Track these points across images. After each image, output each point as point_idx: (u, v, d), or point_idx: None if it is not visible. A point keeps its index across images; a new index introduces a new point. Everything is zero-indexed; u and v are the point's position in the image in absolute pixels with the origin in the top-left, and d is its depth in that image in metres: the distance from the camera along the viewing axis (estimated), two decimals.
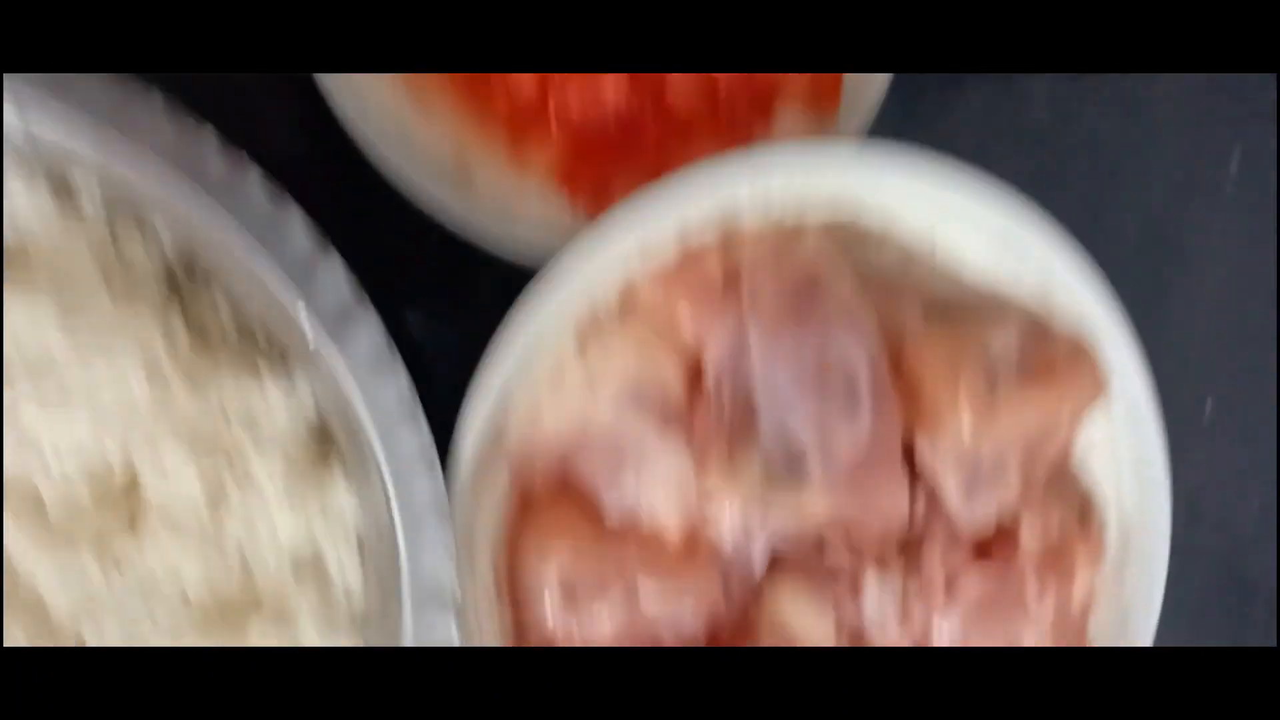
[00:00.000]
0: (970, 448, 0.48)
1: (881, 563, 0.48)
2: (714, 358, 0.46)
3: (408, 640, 0.40)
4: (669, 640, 0.47)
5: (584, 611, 0.46)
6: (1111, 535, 0.52)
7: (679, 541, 0.47)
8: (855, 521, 0.46)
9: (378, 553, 0.41)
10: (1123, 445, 0.52)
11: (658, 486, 0.47)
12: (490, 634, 0.46)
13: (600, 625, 0.46)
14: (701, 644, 0.47)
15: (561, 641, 0.47)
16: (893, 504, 0.46)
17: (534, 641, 0.47)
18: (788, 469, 0.45)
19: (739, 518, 0.46)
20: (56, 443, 0.37)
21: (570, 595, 0.46)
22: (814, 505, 0.45)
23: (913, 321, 0.50)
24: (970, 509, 0.49)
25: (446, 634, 0.41)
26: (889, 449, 0.45)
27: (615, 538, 0.47)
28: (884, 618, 0.48)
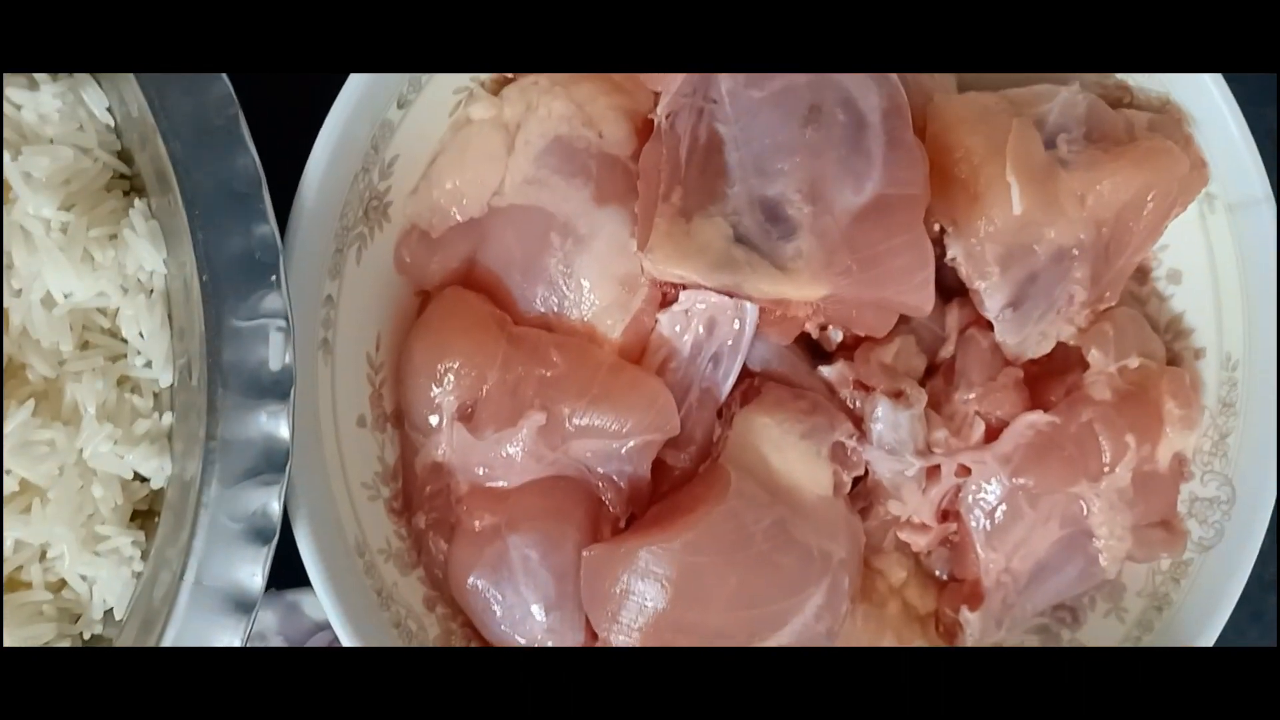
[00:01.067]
0: (1021, 235, 0.35)
1: (895, 383, 0.35)
2: (671, 89, 0.33)
3: (218, 439, 0.29)
4: (600, 484, 0.35)
5: (488, 443, 0.35)
6: (1210, 378, 0.39)
7: (617, 347, 0.35)
8: (860, 312, 0.33)
9: (186, 322, 0.30)
10: (1226, 263, 0.39)
11: (591, 272, 0.35)
12: (359, 466, 0.35)
13: (508, 462, 0.35)
14: (646, 487, 0.36)
15: (457, 476, 0.35)
16: (913, 278, 0.32)
17: (420, 474, 0.36)
18: (765, 234, 0.32)
19: (702, 302, 0.34)
20: None
21: (471, 419, 0.35)
22: (801, 286, 0.32)
23: (943, 81, 0.38)
24: (1019, 325, 0.36)
25: (274, 429, 0.30)
26: (908, 206, 0.32)
27: (531, 343, 0.35)
28: (900, 460, 0.36)
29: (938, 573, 0.40)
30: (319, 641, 0.39)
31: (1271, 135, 0.43)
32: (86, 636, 0.32)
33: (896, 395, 0.36)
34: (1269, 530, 0.40)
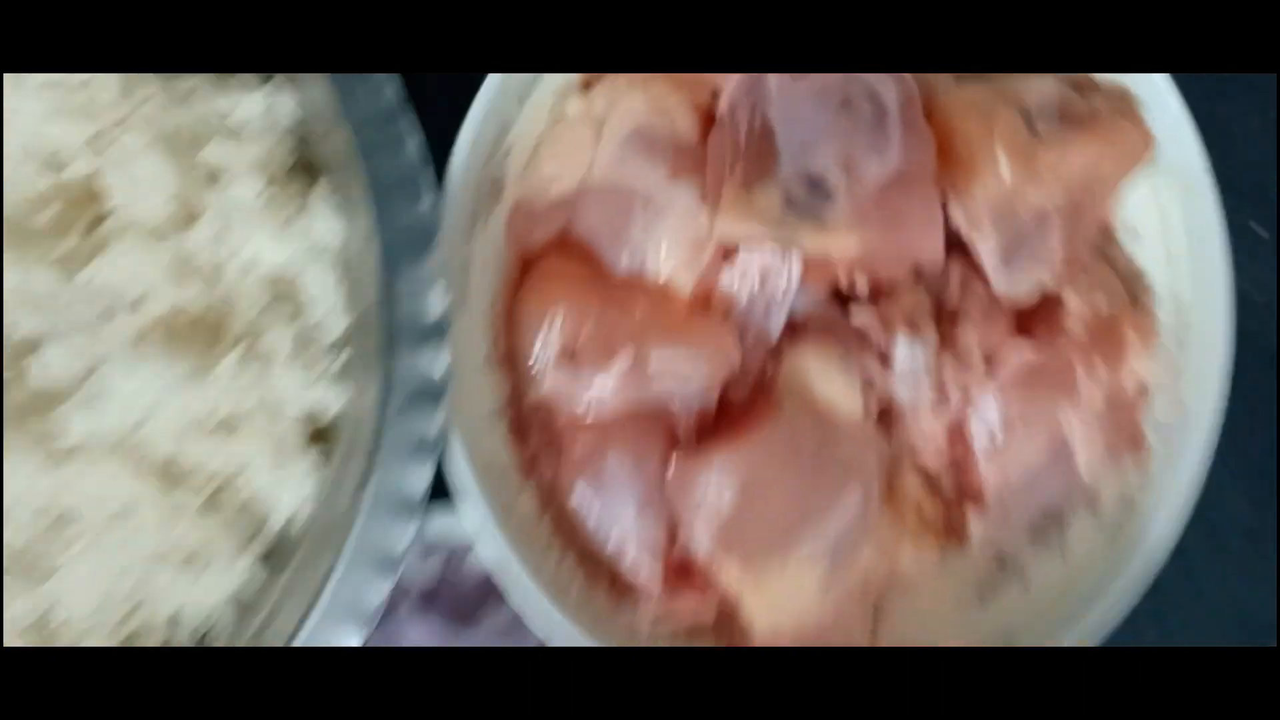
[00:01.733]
0: (1009, 200, 0.44)
1: (912, 326, 0.44)
2: (730, 87, 0.42)
3: (388, 375, 0.37)
4: (677, 410, 0.43)
5: (586, 378, 0.43)
6: (1166, 318, 0.48)
7: (689, 299, 0.43)
8: (885, 260, 0.42)
9: (359, 280, 0.38)
10: (1175, 222, 0.47)
11: (667, 238, 0.43)
12: (483, 399, 0.43)
13: (603, 393, 0.42)
14: (712, 414, 0.44)
15: (560, 410, 0.43)
16: (927, 233, 0.41)
17: (528, 410, 0.43)
18: (809, 200, 0.41)
19: (756, 260, 0.42)
20: (20, 129, 0.34)
21: (572, 358, 0.43)
22: (839, 238, 0.41)
23: (944, 78, 0.46)
24: (1010, 275, 0.44)
25: (434, 371, 0.37)
26: (922, 177, 0.41)
27: (620, 297, 0.43)
28: (917, 389, 0.44)
29: (946, 487, 0.47)
30: (435, 559, 0.46)
31: (1224, 126, 0.51)
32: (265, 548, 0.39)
33: (913, 333, 0.44)
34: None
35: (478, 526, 0.41)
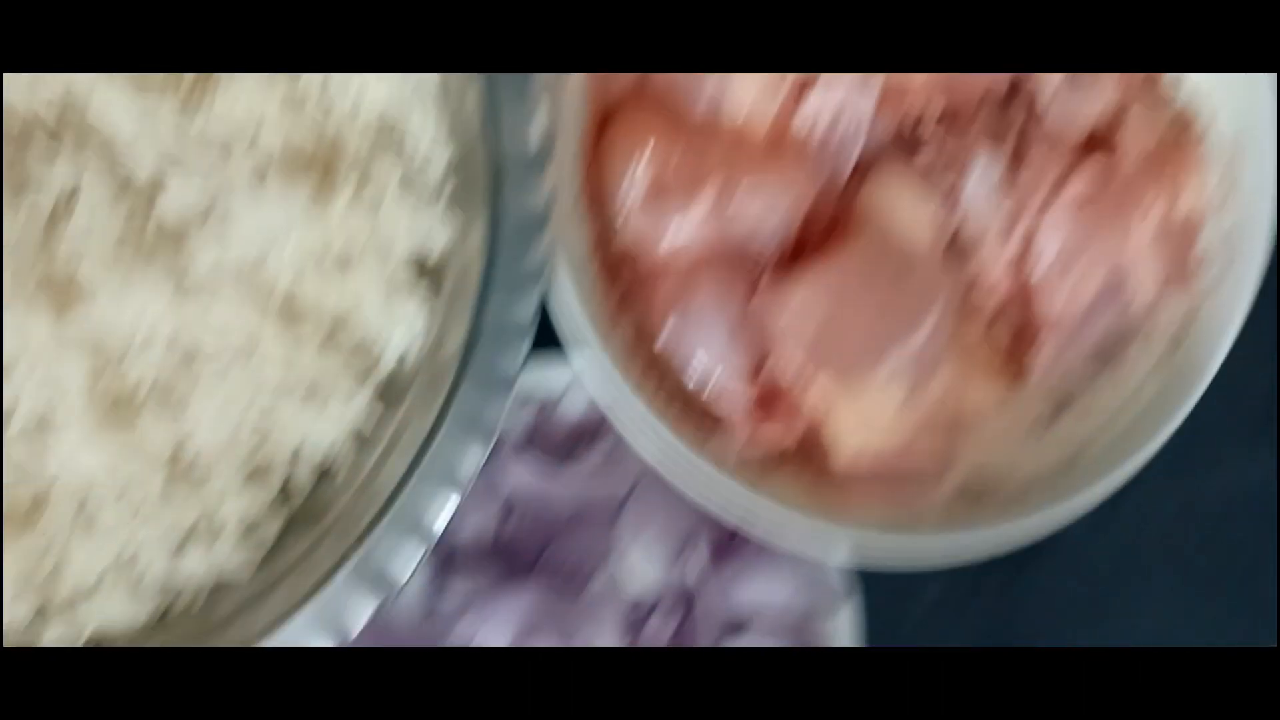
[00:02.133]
0: None
1: (996, 137, 0.45)
2: None
3: (494, 208, 0.39)
4: (757, 249, 0.45)
5: (670, 217, 0.44)
6: (1217, 156, 0.49)
7: (766, 139, 0.45)
8: (959, 80, 0.44)
9: (461, 117, 0.39)
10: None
11: (742, 80, 0.44)
12: (573, 245, 0.44)
13: (685, 235, 0.44)
14: (790, 251, 0.46)
15: (646, 249, 0.45)
16: None
17: (615, 255, 0.45)
18: None
19: (830, 98, 0.44)
20: None
21: (661, 194, 0.44)
22: None
23: None
24: (1073, 97, 0.47)
25: (536, 202, 0.39)
26: None
27: (703, 135, 0.44)
28: (987, 210, 0.46)
29: (1010, 320, 0.49)
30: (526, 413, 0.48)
31: None
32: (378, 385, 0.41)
33: (994, 145, 0.46)
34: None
35: (585, 361, 0.43)
